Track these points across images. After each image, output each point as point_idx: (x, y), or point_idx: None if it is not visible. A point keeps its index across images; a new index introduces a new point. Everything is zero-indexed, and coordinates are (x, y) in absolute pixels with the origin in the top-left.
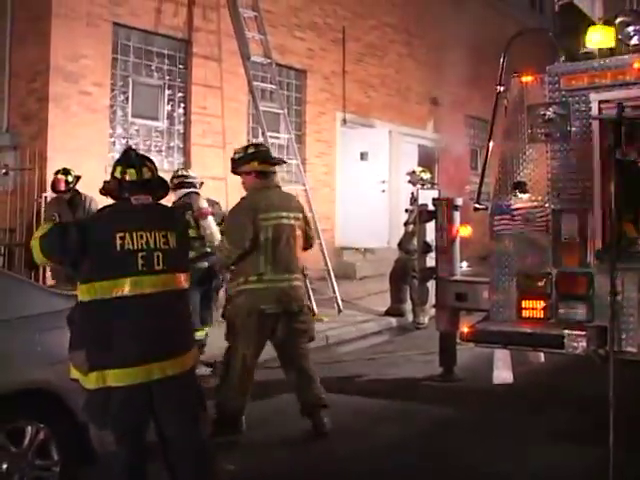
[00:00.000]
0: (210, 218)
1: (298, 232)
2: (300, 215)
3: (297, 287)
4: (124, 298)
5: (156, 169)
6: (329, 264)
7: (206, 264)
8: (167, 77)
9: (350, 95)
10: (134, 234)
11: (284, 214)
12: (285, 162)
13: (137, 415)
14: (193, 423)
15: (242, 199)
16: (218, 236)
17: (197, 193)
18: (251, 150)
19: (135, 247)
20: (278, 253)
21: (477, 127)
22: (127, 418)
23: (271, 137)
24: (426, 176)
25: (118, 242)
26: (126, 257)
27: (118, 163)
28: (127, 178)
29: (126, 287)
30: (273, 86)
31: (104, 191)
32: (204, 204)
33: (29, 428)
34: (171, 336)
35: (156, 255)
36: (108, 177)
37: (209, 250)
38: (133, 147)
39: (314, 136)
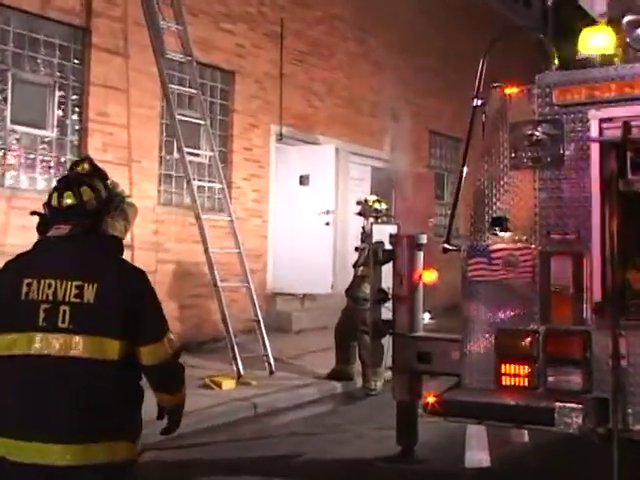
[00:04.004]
0: None
1: None
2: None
3: None
4: (16, 357)
5: (95, 193)
6: (259, 314)
7: None
8: (58, 74)
9: (289, 104)
10: (42, 281)
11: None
12: None
13: None
14: None
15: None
16: None
17: None
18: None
19: (39, 297)
20: None
21: (445, 147)
22: None
23: (189, 154)
24: (381, 207)
25: (24, 289)
26: (28, 309)
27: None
28: (52, 203)
29: (19, 344)
30: (193, 90)
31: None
32: None
33: None
34: (74, 416)
35: (62, 310)
36: None
37: None
38: (89, 159)
39: (243, 154)
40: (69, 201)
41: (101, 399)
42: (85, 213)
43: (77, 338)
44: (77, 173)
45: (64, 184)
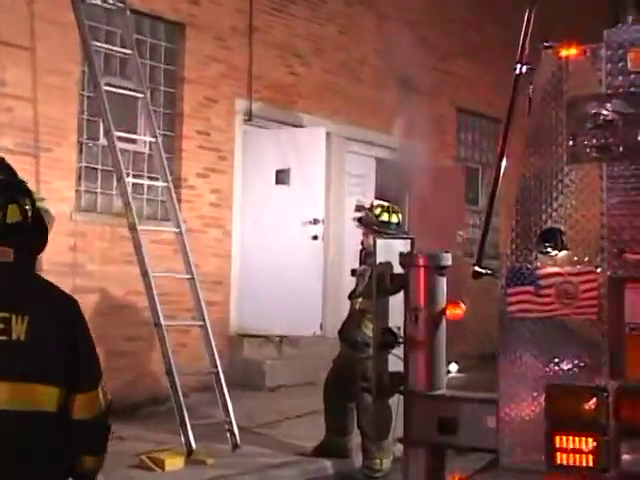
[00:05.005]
0: None
1: None
2: None
3: None
4: None
5: (32, 204)
6: (218, 364)
7: None
8: None
9: (261, 70)
10: None
11: None
12: None
13: None
14: None
15: None
16: None
17: None
18: None
19: None
20: None
21: (479, 130)
22: None
23: (122, 139)
24: (390, 219)
25: None
26: None
27: None
28: None
29: None
30: (127, 50)
31: None
32: None
33: None
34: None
35: None
36: None
37: None
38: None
39: (197, 140)
40: (15, 218)
41: (36, 466)
42: (26, 231)
43: (4, 385)
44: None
45: (5, 194)
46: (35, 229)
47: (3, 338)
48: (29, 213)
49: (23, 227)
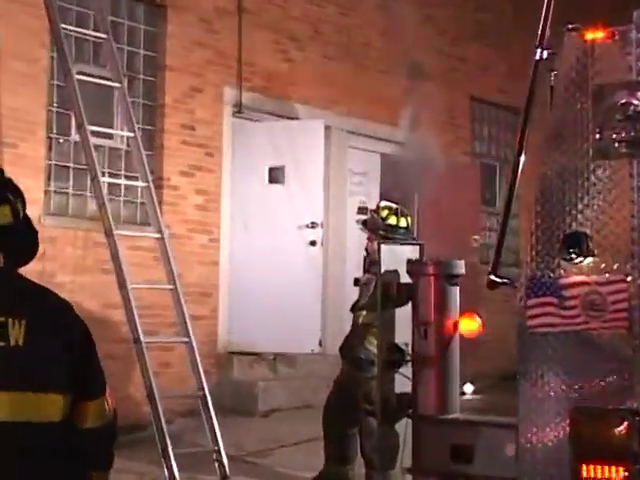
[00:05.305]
0: None
1: None
2: None
3: None
4: None
5: (23, 205)
6: (205, 386)
7: None
8: None
9: (252, 56)
10: None
11: None
12: None
13: None
14: None
15: None
16: None
17: None
18: None
19: None
20: None
21: (497, 122)
22: None
23: (96, 134)
24: (399, 222)
25: None
26: None
27: None
28: None
29: None
30: (102, 35)
31: None
32: None
33: None
34: None
35: None
36: None
37: None
38: None
39: (181, 135)
40: (5, 219)
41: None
42: (17, 234)
43: (4, 395)
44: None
45: None
46: (26, 232)
47: (1, 344)
48: (21, 214)
49: (14, 229)
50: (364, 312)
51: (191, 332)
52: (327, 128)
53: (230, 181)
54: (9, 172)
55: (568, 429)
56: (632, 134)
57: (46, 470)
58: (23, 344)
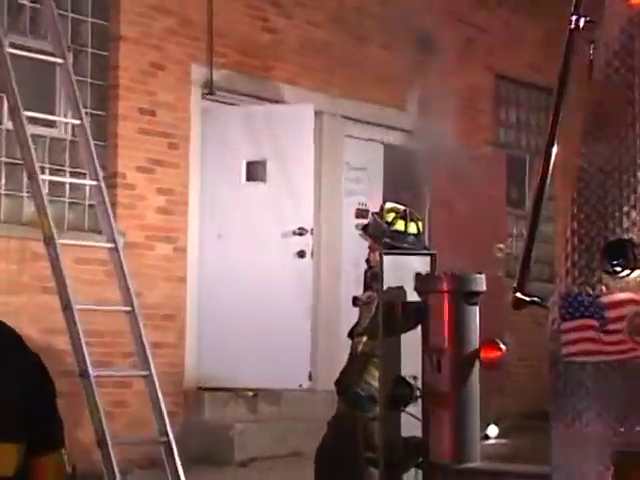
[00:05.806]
0: None
1: None
2: None
3: None
4: None
5: None
6: (169, 429)
7: None
8: None
9: (225, 25)
10: None
11: None
12: None
13: None
14: None
15: None
16: None
17: None
18: None
19: None
20: None
21: (526, 105)
22: None
23: (34, 121)
24: (403, 225)
25: None
26: None
27: None
28: None
29: None
30: None
31: None
32: None
33: None
34: None
35: None
36: None
37: None
38: None
39: (139, 122)
40: None
41: None
42: None
43: None
44: None
45: None
46: None
47: None
48: None
49: None
50: (364, 338)
51: (152, 364)
52: (318, 113)
53: (199, 178)
54: None
55: (612, 478)
56: None
57: None
58: None
